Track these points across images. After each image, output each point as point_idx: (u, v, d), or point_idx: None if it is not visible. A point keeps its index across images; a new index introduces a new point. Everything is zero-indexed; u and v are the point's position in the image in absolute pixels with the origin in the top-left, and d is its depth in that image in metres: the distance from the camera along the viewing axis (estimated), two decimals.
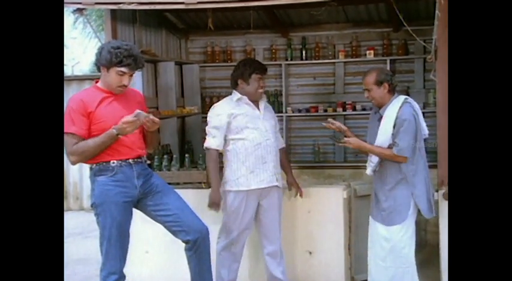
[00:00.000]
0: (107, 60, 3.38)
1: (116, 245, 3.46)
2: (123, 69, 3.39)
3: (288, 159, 4.41)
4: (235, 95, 4.05)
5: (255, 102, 4.07)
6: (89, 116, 3.40)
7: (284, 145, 4.35)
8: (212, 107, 4.11)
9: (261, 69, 4.07)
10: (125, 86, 3.46)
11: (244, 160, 3.98)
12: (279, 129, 4.33)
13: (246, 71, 4.02)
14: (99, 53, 3.43)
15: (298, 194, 4.32)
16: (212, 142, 3.99)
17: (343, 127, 3.96)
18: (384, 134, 3.76)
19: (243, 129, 3.97)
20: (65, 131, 3.33)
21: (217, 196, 3.97)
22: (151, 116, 3.39)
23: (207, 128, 4.05)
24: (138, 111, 3.34)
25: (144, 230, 4.32)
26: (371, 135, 3.92)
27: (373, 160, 3.84)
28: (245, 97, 4.02)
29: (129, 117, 3.32)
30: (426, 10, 5.38)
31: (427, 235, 5.50)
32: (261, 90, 4.05)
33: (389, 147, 3.73)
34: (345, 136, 3.90)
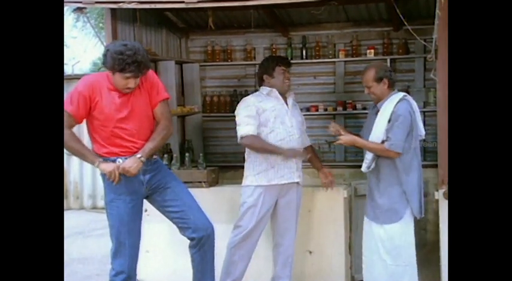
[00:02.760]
0: (110, 65, 3.39)
1: (124, 243, 3.47)
2: (127, 75, 3.38)
3: (318, 156, 4.44)
4: (265, 89, 4.07)
5: (283, 97, 4.07)
6: (92, 103, 3.42)
7: (310, 143, 4.35)
8: (241, 102, 4.11)
9: (284, 62, 4.12)
10: (131, 88, 3.45)
11: (266, 155, 3.96)
12: (305, 128, 4.32)
13: (270, 66, 4.06)
14: (104, 56, 3.42)
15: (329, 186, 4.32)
16: (248, 128, 3.91)
17: (338, 128, 3.98)
18: (378, 129, 3.76)
19: (269, 124, 3.96)
20: (64, 107, 3.34)
21: (289, 149, 3.93)
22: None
23: (237, 120, 4.00)
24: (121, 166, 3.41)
25: (145, 230, 4.32)
26: (367, 129, 3.92)
27: (367, 157, 3.84)
28: (274, 90, 4.04)
29: (116, 166, 3.38)
30: (426, 9, 5.37)
31: (427, 234, 5.50)
32: (287, 82, 4.07)
33: (383, 142, 3.73)
34: (339, 135, 3.91)
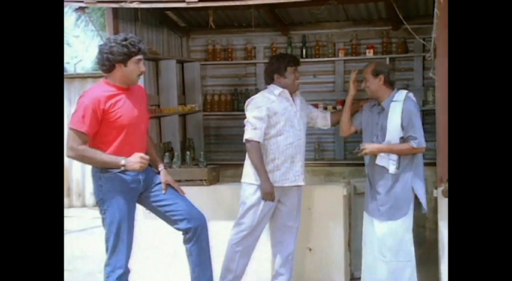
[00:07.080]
0: (124, 53, 3.43)
1: (123, 239, 3.50)
2: (139, 56, 3.47)
3: None
4: (276, 88, 4.03)
5: (292, 96, 4.06)
6: (103, 114, 3.41)
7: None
8: (250, 99, 4.06)
9: (295, 61, 4.09)
10: (144, 71, 3.54)
11: (273, 157, 3.96)
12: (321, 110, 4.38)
13: (281, 65, 4.03)
14: (111, 53, 3.42)
15: None
16: (254, 133, 3.92)
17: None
18: (394, 129, 3.79)
19: (279, 126, 3.95)
20: (76, 127, 3.35)
21: (269, 185, 3.89)
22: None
23: (246, 120, 3.99)
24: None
25: (145, 229, 4.34)
26: (368, 129, 3.95)
27: (392, 158, 3.82)
28: (286, 91, 4.02)
29: (146, 156, 3.45)
30: (425, 8, 5.40)
31: (425, 231, 5.53)
32: (298, 81, 4.07)
33: (405, 140, 3.76)
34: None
